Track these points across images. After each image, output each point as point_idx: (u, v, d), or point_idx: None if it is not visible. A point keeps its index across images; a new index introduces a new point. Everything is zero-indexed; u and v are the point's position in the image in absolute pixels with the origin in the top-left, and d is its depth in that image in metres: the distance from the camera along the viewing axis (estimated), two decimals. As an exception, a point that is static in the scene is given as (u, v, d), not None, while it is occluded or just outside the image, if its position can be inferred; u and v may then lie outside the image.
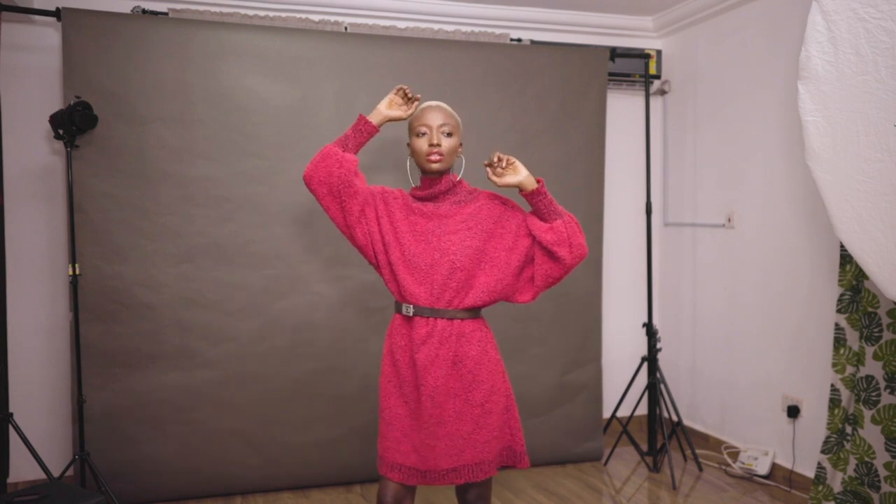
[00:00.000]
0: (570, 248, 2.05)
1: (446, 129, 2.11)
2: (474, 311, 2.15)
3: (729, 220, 3.83)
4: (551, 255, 2.07)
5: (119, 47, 3.14)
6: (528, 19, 4.02)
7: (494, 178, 2.07)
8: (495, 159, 2.05)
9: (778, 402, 3.53)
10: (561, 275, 2.10)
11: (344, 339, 3.46)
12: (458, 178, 2.19)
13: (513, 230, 2.14)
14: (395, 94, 2.18)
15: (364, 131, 2.16)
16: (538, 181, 2.07)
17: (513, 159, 2.06)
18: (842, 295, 2.96)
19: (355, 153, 2.17)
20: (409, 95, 2.18)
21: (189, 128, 3.24)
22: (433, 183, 2.16)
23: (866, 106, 2.35)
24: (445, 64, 3.55)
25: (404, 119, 2.20)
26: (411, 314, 2.12)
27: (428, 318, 2.11)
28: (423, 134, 2.11)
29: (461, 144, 2.19)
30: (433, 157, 2.10)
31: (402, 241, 2.13)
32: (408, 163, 2.24)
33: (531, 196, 2.08)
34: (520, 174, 2.06)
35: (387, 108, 2.18)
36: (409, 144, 2.17)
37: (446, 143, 2.11)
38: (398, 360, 2.15)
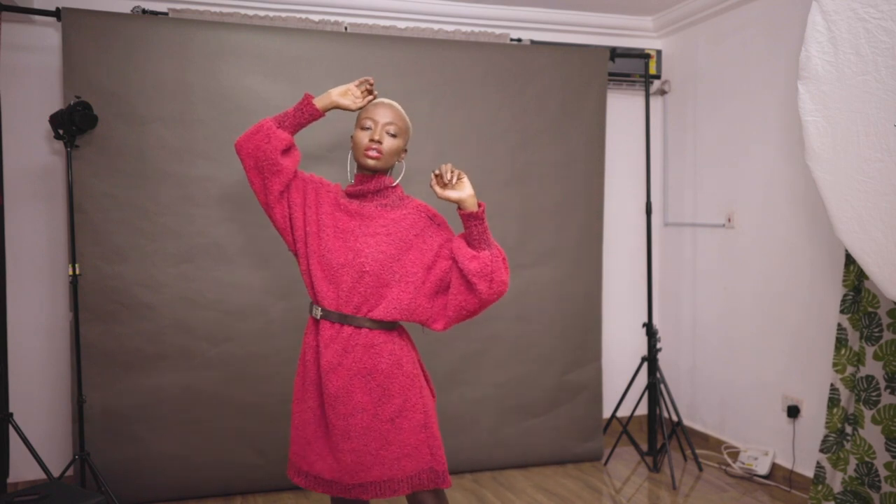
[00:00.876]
0: (490, 283, 1.95)
1: (392, 128, 2.04)
2: (386, 323, 2.04)
3: (729, 220, 3.83)
4: (469, 285, 1.98)
5: (119, 47, 3.14)
6: (528, 19, 4.02)
7: (437, 189, 1.98)
8: (447, 172, 1.95)
9: (778, 402, 3.53)
10: (476, 309, 2.00)
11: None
12: (392, 182, 2.10)
13: (434, 248, 2.04)
14: (358, 85, 2.10)
15: (306, 112, 2.07)
16: (480, 205, 1.97)
17: (463, 175, 1.97)
18: (845, 295, 2.96)
19: (292, 133, 2.08)
20: (371, 91, 2.12)
21: (189, 128, 3.24)
22: (364, 180, 2.07)
23: (866, 106, 2.35)
24: (445, 64, 3.55)
25: (352, 110, 2.11)
26: (318, 317, 2.04)
27: (334, 322, 2.02)
28: (367, 128, 2.03)
29: (406, 150, 2.11)
30: (371, 153, 2.01)
31: (322, 234, 2.05)
32: (348, 156, 2.14)
33: (468, 218, 1.97)
34: (464, 191, 1.95)
35: (339, 95, 2.09)
36: (352, 137, 2.08)
37: (388, 143, 2.03)
38: (307, 362, 2.08)
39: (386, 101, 2.10)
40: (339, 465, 2.02)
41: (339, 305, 2.02)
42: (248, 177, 2.09)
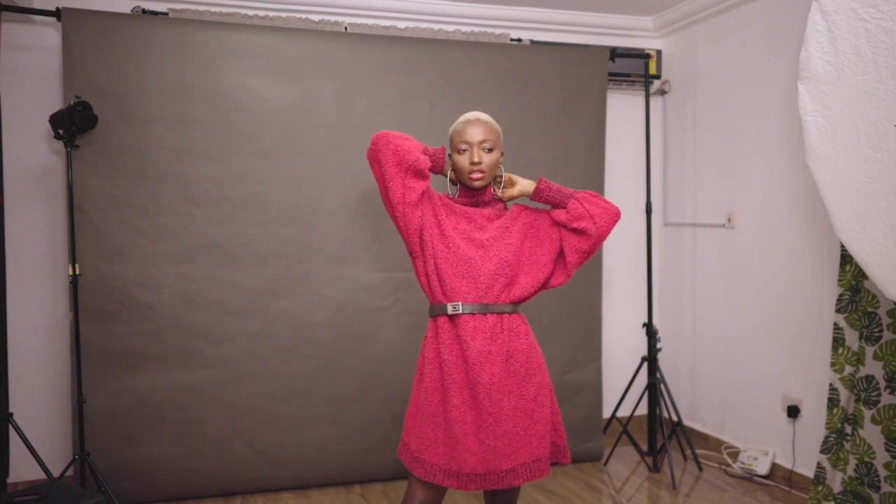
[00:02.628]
0: (592, 219, 2.13)
1: (487, 144, 2.13)
2: (517, 306, 2.18)
3: (729, 220, 3.83)
4: (576, 231, 2.15)
5: (119, 47, 3.14)
6: (528, 19, 4.02)
7: (500, 195, 2.23)
8: (499, 181, 2.23)
9: (778, 402, 3.53)
10: (590, 246, 2.17)
11: (344, 339, 3.46)
12: (498, 193, 2.26)
13: (545, 229, 2.21)
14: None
15: (439, 162, 2.20)
16: (539, 180, 2.18)
17: (509, 176, 2.24)
18: (841, 295, 2.96)
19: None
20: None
21: (189, 128, 3.24)
22: (476, 194, 2.21)
23: (866, 106, 2.35)
24: (445, 64, 3.55)
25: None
26: (459, 311, 2.10)
27: (475, 314, 2.10)
28: (464, 151, 2.13)
29: (502, 154, 2.22)
30: (475, 175, 2.13)
31: (448, 236, 2.14)
32: (448, 174, 2.23)
33: (537, 196, 2.19)
34: (517, 186, 2.22)
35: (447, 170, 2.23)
36: (450, 156, 2.20)
37: (487, 159, 2.13)
38: (445, 361, 2.09)
39: (472, 116, 2.17)
40: (494, 454, 2.06)
41: (479, 297, 2.12)
42: (383, 175, 2.11)
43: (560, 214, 2.17)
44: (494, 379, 2.07)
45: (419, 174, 2.11)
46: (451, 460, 2.06)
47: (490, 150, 2.14)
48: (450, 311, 2.10)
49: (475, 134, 2.12)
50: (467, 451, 2.05)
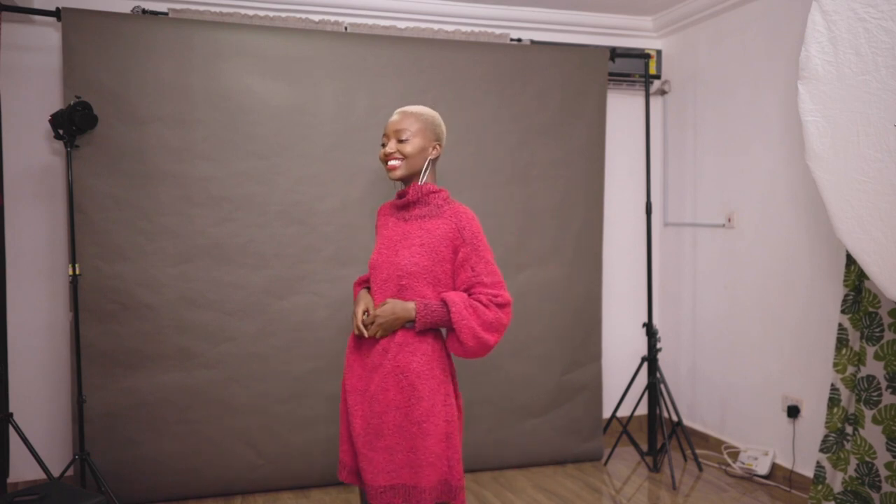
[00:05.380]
0: (464, 350, 2.03)
1: (403, 134, 2.05)
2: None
3: (729, 220, 3.83)
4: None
5: (119, 47, 3.14)
6: (528, 19, 4.02)
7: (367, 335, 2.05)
8: (362, 327, 2.04)
9: (778, 402, 3.53)
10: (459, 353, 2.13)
11: (344, 339, 3.46)
12: (430, 187, 2.10)
13: (458, 260, 2.06)
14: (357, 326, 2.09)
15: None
16: (416, 314, 2.00)
17: (375, 318, 2.01)
18: (846, 296, 2.96)
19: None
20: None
21: (189, 128, 3.24)
22: (402, 193, 2.13)
23: (866, 106, 2.35)
24: (445, 64, 3.55)
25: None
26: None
27: None
28: (383, 144, 2.11)
29: (435, 148, 2.10)
30: (388, 167, 2.08)
31: (376, 248, 2.15)
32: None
33: (415, 327, 2.03)
34: (380, 330, 2.02)
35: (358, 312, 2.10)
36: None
37: (401, 150, 2.05)
38: (347, 363, 2.14)
39: (399, 109, 2.13)
40: (372, 466, 2.01)
41: (375, 302, 2.09)
42: None
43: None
44: (377, 390, 2.01)
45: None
46: (344, 454, 2.11)
47: (406, 140, 2.05)
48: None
49: (392, 125, 2.07)
50: (356, 453, 2.06)
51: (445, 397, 2.04)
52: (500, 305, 2.02)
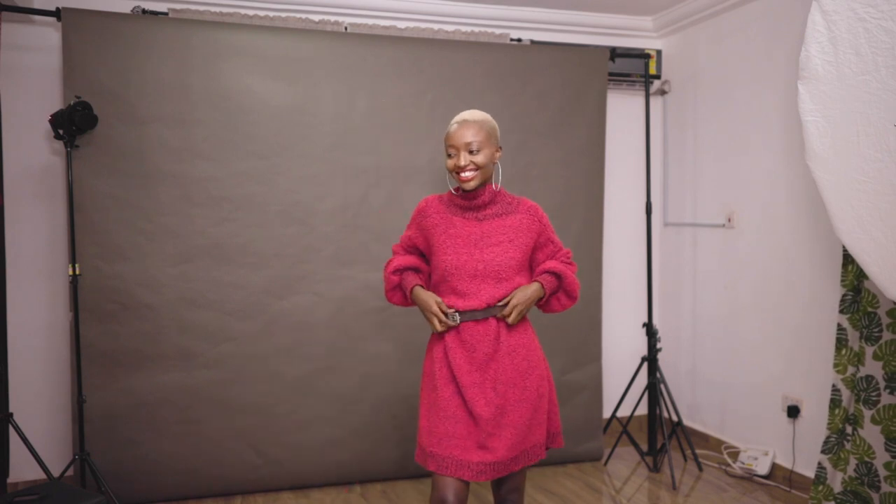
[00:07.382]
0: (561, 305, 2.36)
1: (473, 146, 2.15)
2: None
3: (729, 220, 3.83)
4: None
5: (119, 47, 3.14)
6: (528, 19, 4.02)
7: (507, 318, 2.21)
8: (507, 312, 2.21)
9: (778, 403, 3.53)
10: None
11: (344, 339, 3.46)
12: (497, 188, 2.25)
13: (545, 243, 2.32)
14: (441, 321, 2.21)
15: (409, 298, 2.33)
16: (543, 285, 2.26)
17: (513, 308, 2.19)
18: (844, 295, 2.96)
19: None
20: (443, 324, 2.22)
21: (189, 128, 3.24)
22: (473, 196, 2.23)
23: (866, 106, 2.35)
24: (445, 64, 3.55)
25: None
26: (457, 322, 2.18)
27: (479, 320, 2.18)
28: (451, 156, 2.19)
29: (499, 150, 2.24)
30: (462, 178, 2.17)
31: (447, 248, 2.21)
32: (447, 175, 2.29)
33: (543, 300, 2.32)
34: (515, 313, 2.20)
35: (426, 313, 2.23)
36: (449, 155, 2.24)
37: (474, 161, 2.16)
38: (453, 361, 2.18)
39: (461, 118, 2.20)
40: (500, 444, 2.15)
41: (479, 305, 2.18)
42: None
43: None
44: (499, 375, 2.17)
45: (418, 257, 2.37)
46: (463, 451, 2.14)
47: (477, 151, 2.16)
48: (451, 320, 2.18)
49: (460, 137, 2.16)
50: (474, 442, 2.15)
51: (545, 362, 2.31)
52: (572, 261, 2.38)
